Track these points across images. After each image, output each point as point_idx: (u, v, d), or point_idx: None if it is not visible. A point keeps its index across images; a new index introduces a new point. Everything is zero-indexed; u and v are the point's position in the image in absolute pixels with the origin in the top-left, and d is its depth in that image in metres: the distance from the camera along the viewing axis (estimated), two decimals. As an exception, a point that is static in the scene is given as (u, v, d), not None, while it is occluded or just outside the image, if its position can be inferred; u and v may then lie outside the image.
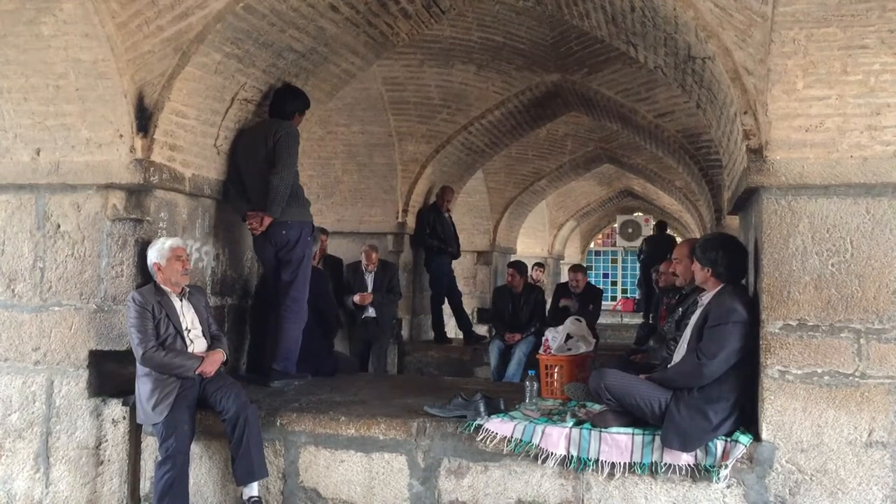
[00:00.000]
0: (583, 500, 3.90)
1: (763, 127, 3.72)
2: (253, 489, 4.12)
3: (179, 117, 4.57)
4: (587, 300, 8.96)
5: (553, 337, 4.94)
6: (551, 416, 4.14)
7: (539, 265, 12.96)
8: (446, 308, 9.35)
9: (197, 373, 4.18)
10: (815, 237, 3.71)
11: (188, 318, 4.33)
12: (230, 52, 4.61)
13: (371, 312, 8.01)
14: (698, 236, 11.90)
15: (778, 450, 3.70)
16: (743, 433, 3.75)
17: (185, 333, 4.28)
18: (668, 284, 5.84)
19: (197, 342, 4.32)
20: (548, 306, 9.24)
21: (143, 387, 4.16)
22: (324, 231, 7.89)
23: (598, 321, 9.89)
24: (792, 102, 3.67)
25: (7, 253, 4.62)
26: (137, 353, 4.13)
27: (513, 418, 4.08)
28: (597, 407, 4.16)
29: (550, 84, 8.34)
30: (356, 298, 7.90)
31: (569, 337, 4.93)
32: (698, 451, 3.73)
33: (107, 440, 4.43)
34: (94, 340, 4.49)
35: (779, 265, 3.73)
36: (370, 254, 8.06)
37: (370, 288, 8.00)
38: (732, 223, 7.53)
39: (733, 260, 3.95)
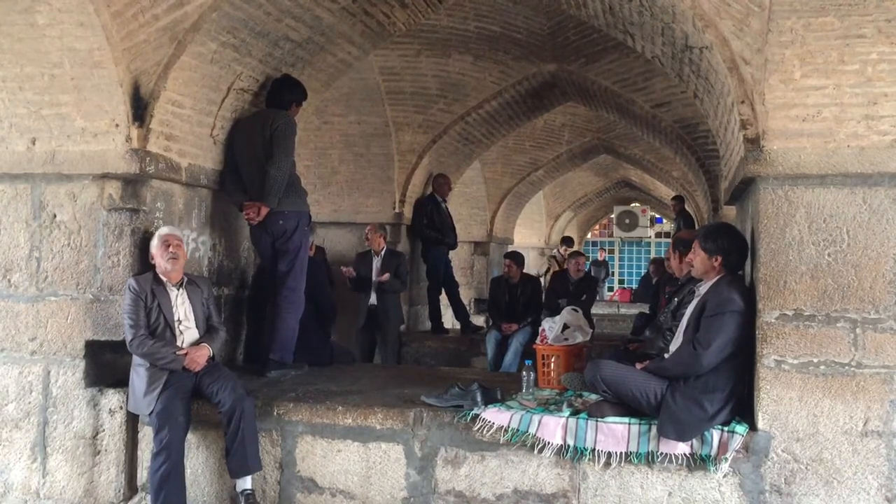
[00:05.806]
0: (579, 490, 3.91)
1: (760, 116, 3.71)
2: (246, 482, 4.14)
3: (175, 107, 4.56)
4: (582, 289, 8.96)
5: (550, 327, 4.95)
6: (548, 406, 4.15)
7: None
8: (443, 298, 9.34)
9: (183, 366, 4.18)
10: (812, 227, 3.71)
11: (181, 309, 4.32)
12: (226, 41, 4.59)
13: (374, 300, 7.95)
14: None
15: (774, 439, 3.71)
16: (739, 423, 3.76)
17: (176, 325, 4.27)
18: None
19: (187, 334, 4.31)
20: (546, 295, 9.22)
21: (136, 376, 4.19)
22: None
23: (595, 311, 9.89)
24: (789, 92, 3.66)
25: (3, 243, 4.61)
26: (127, 339, 4.16)
27: (509, 408, 4.09)
28: (593, 397, 4.17)
29: (547, 74, 8.32)
30: (375, 276, 7.83)
31: (566, 327, 4.94)
32: (694, 440, 3.73)
33: (104, 430, 4.43)
34: (90, 330, 4.49)
35: (775, 255, 3.73)
36: (376, 235, 7.98)
37: (374, 272, 7.92)
38: (729, 213, 7.53)
39: (742, 247, 3.94)
